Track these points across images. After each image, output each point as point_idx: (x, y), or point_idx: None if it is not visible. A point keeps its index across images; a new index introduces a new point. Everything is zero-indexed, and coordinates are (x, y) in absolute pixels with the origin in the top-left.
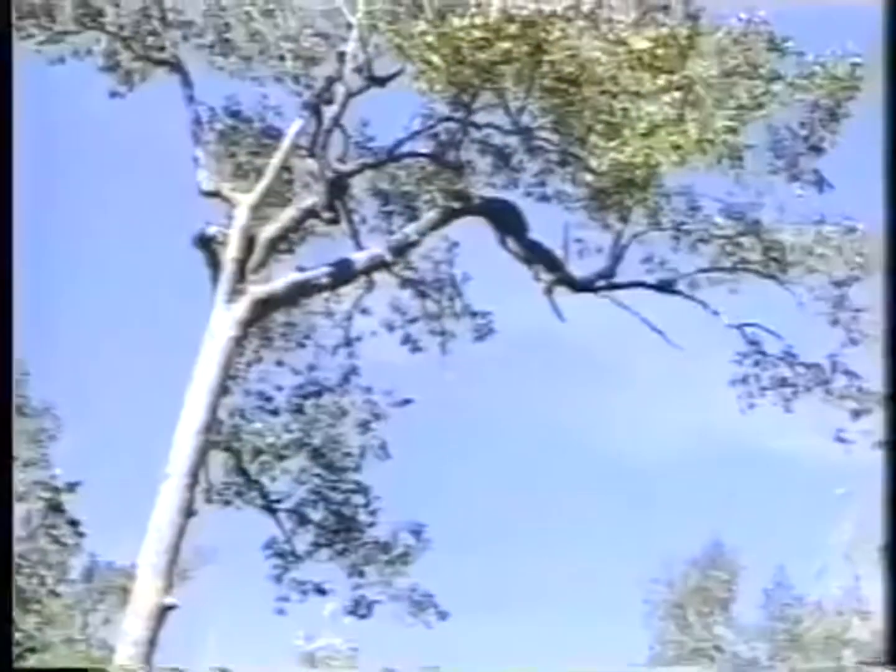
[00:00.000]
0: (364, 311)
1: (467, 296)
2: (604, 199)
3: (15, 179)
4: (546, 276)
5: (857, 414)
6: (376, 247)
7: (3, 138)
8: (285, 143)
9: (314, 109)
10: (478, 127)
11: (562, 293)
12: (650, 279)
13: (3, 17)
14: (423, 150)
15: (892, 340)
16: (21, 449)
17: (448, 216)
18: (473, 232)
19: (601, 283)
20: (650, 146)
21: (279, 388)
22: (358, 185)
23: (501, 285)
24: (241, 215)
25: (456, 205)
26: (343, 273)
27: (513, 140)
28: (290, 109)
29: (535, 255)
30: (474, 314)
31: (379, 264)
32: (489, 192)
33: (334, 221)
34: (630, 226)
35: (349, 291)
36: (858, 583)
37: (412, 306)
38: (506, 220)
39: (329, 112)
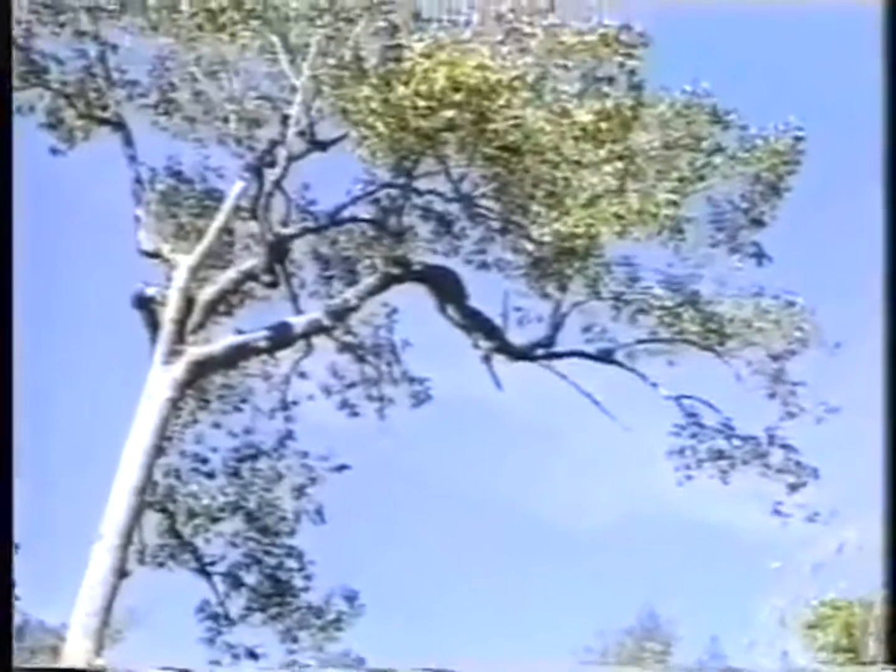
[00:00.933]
0: (302, 375)
1: (406, 362)
2: (544, 268)
3: None
4: (485, 344)
5: (793, 487)
6: (315, 311)
7: None
8: (227, 205)
9: (256, 172)
10: (419, 193)
11: (500, 361)
12: (589, 349)
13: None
14: (365, 216)
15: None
16: None
17: (388, 282)
18: (413, 298)
19: (540, 351)
20: (591, 216)
21: (215, 451)
22: (299, 248)
23: (440, 352)
24: (181, 276)
25: (396, 271)
26: (282, 336)
27: (454, 207)
28: (233, 171)
29: (475, 322)
30: (412, 380)
31: (318, 328)
32: (430, 259)
33: (274, 285)
34: (570, 295)
35: (287, 355)
36: (787, 657)
37: (350, 371)
38: (446, 287)
39: (271, 175)
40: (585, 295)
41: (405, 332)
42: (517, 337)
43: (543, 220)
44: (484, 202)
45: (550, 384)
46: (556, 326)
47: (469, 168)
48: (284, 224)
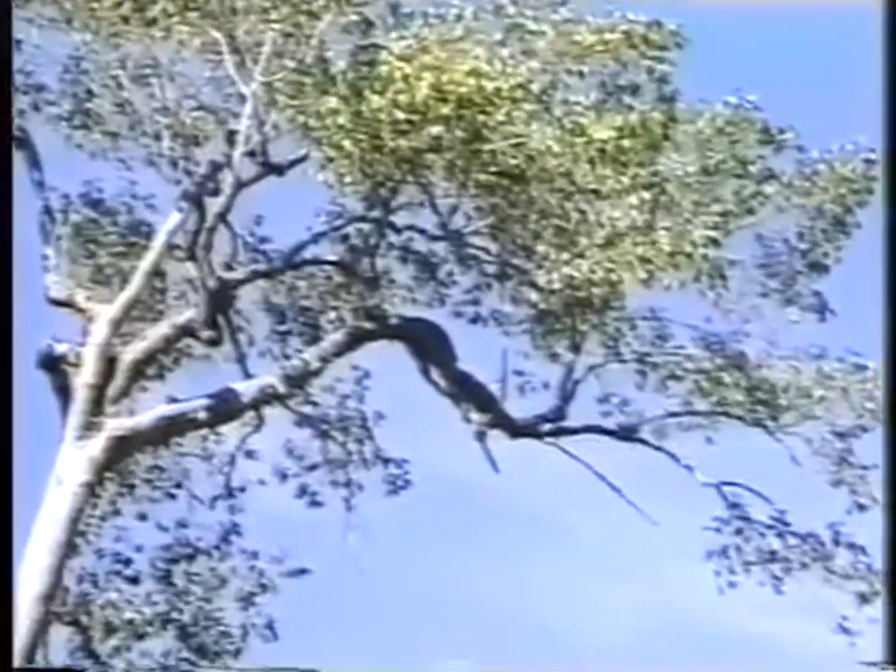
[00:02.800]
0: (250, 455)
1: (380, 439)
2: (552, 323)
3: None
4: (478, 417)
5: (863, 598)
6: (268, 375)
7: None
8: (158, 243)
9: (195, 201)
10: (397, 230)
11: (497, 438)
12: (608, 423)
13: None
14: (330, 257)
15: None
16: None
17: (358, 339)
18: (389, 359)
19: (547, 426)
20: (611, 259)
21: (140, 550)
22: (247, 297)
23: (422, 427)
24: (100, 331)
25: (368, 325)
26: (226, 406)
27: (440, 247)
28: (166, 201)
29: (465, 390)
30: (388, 462)
31: (270, 397)
32: (410, 311)
33: (216, 342)
34: (584, 356)
35: (233, 429)
36: None
37: (311, 450)
38: (429, 345)
39: (214, 205)
40: (603, 356)
41: (379, 402)
42: (518, 408)
43: (552, 263)
44: (477, 241)
45: (559, 467)
46: (567, 395)
47: (460, 198)
48: (230, 267)
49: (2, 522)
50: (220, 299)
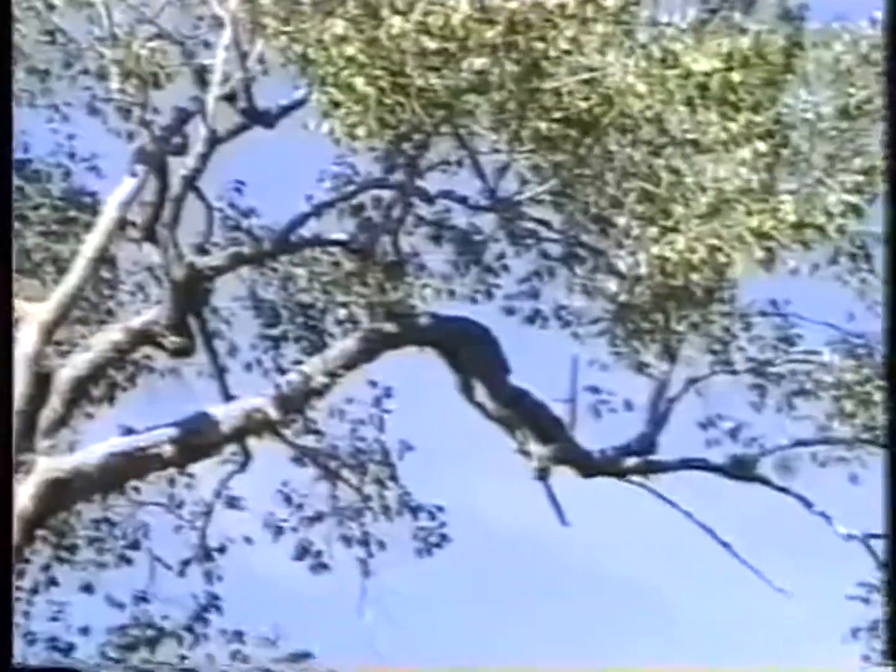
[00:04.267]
0: (233, 503)
1: (406, 479)
2: (638, 322)
3: None
4: (538, 450)
5: None
6: (255, 395)
7: None
8: (104, 220)
9: (155, 162)
10: (429, 198)
11: (565, 477)
12: (714, 457)
13: None
14: (337, 236)
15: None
16: None
17: (376, 346)
18: (418, 372)
19: (632, 462)
20: (717, 234)
21: (86, 632)
22: (227, 290)
23: (463, 463)
24: (28, 338)
25: (390, 327)
26: (199, 438)
27: (486, 221)
28: (115, 162)
29: (521, 413)
30: (417, 510)
31: (259, 425)
32: (445, 307)
33: (186, 352)
34: (682, 366)
35: (209, 469)
36: None
37: (314, 496)
38: (472, 353)
39: (181, 168)
40: (708, 366)
41: (405, 430)
42: (593, 437)
43: (636, 241)
44: (536, 212)
45: (649, 515)
46: (659, 419)
47: (511, 155)
48: (203, 250)
49: (2, 522)
50: (191, 294)
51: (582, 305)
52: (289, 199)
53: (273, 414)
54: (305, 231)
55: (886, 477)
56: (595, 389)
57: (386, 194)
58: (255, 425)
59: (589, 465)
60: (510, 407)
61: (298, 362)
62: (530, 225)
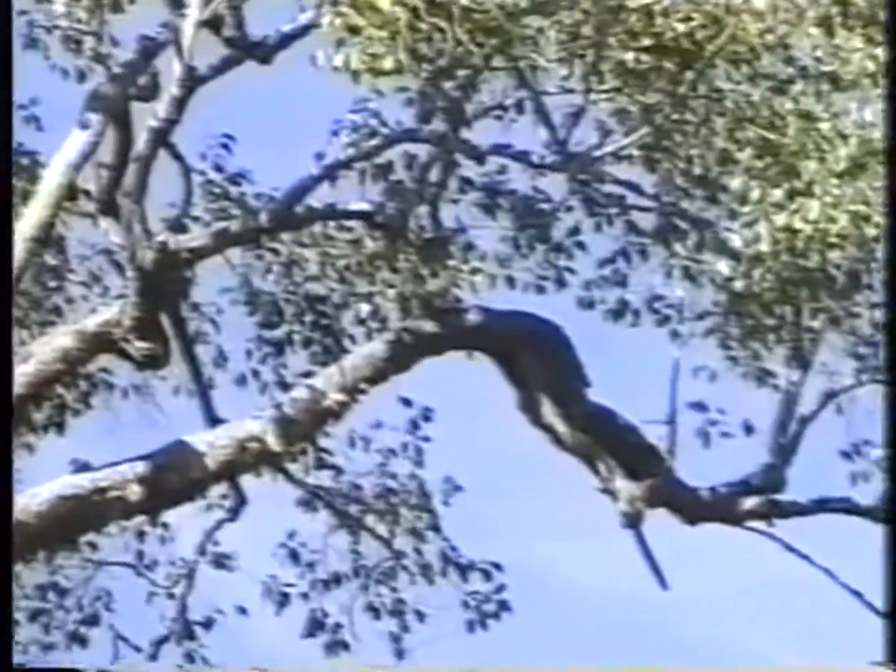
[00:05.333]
0: (221, 562)
1: (452, 529)
2: (758, 316)
3: None
4: (627, 487)
5: None
6: (250, 418)
7: None
8: (47, 187)
9: (115, 111)
10: (478, 155)
11: (662, 522)
12: (863, 496)
13: None
14: (358, 206)
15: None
16: None
17: (410, 352)
18: (466, 387)
19: (751, 502)
20: (863, 198)
21: None
22: (211, 280)
23: (527, 506)
24: None
25: (428, 327)
26: (176, 476)
27: (554, 183)
28: (60, 110)
29: (603, 437)
30: (467, 569)
31: (257, 457)
32: (501, 299)
33: (156, 362)
34: (817, 375)
35: (190, 517)
36: None
37: (330, 551)
38: (537, 360)
39: (149, 118)
40: (852, 374)
41: (449, 463)
42: (699, 470)
43: (755, 207)
44: (621, 171)
45: (773, 571)
46: (788, 446)
47: (588, 96)
48: (179, 227)
49: (2, 522)
50: (164, 285)
51: (683, 295)
52: (293, 158)
53: (274, 443)
54: (315, 200)
55: (887, 480)
56: (702, 407)
57: (421, 150)
58: (251, 458)
59: (695, 508)
60: (589, 431)
61: (307, 374)
62: (614, 189)
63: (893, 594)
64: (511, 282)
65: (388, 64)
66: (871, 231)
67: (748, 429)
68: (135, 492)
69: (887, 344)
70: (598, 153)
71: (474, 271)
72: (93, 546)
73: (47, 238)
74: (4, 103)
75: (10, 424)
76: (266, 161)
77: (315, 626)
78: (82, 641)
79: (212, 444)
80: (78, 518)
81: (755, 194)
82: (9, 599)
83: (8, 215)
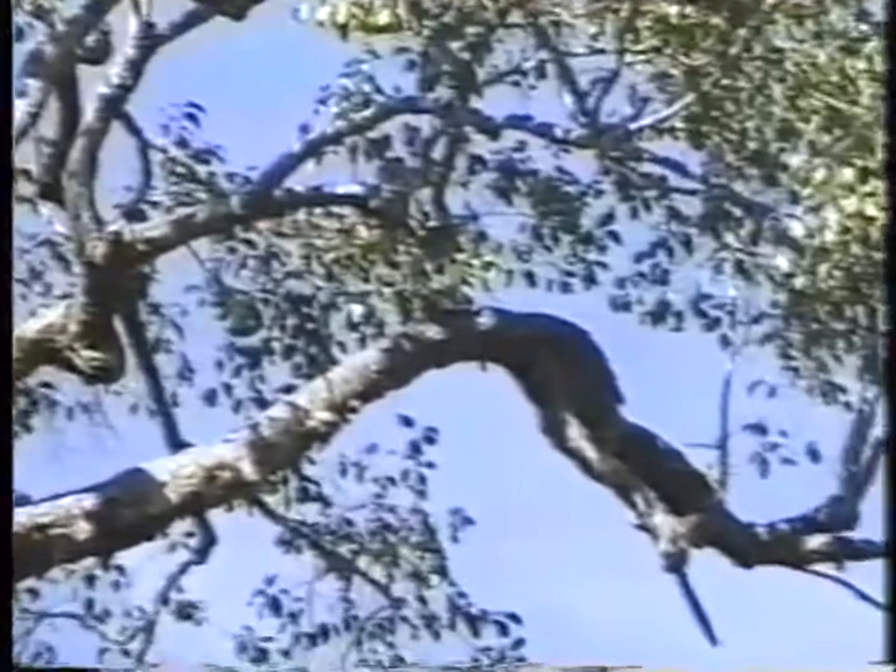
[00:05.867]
0: (187, 612)
1: (462, 573)
2: (825, 320)
3: None
4: (668, 523)
5: None
6: (220, 442)
7: None
8: None
9: (59, 76)
10: (491, 129)
11: (710, 564)
12: None
13: None
14: (348, 188)
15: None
16: None
17: (412, 362)
18: (477, 404)
19: (817, 541)
20: None
21: None
22: (175, 277)
23: (549, 543)
24: None
25: (433, 332)
26: (133, 510)
27: (583, 162)
28: None
29: (640, 464)
30: (478, 621)
31: (229, 488)
32: (520, 299)
33: (108, 375)
34: None
35: (149, 559)
36: None
37: (317, 600)
38: (562, 372)
39: (100, 84)
40: None
41: (457, 494)
42: (754, 503)
43: (818, 188)
44: (662, 147)
45: (844, 621)
46: (860, 475)
47: (621, 58)
48: (135, 214)
49: (2, 522)
50: (118, 283)
51: (736, 295)
52: (272, 132)
53: (249, 471)
54: (298, 182)
55: (887, 481)
56: (758, 428)
57: (424, 122)
58: (222, 489)
59: (749, 548)
60: (624, 457)
61: (289, 389)
62: (653, 169)
63: (894, 594)
64: (531, 278)
65: (383, 18)
66: None
67: (814, 454)
68: (83, 529)
69: (887, 344)
70: (633, 126)
71: (487, 266)
72: (33, 593)
73: None
74: (4, 103)
75: (10, 421)
76: (239, 135)
77: None
78: None
79: (175, 473)
80: (15, 561)
81: (821, 174)
82: (9, 599)
83: (8, 215)
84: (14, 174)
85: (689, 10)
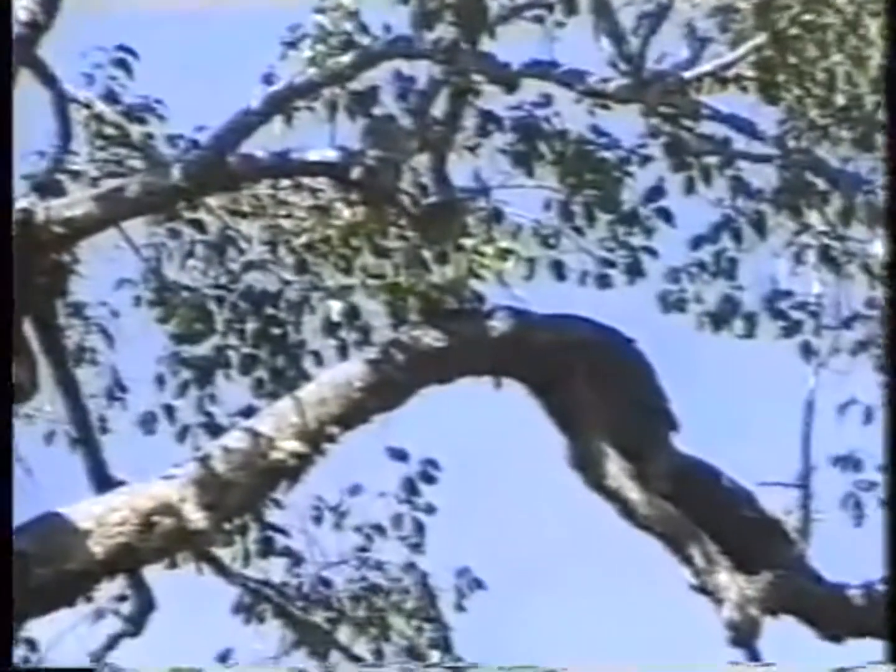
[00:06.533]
0: None
1: (467, 646)
2: None
3: None
4: (735, 583)
5: None
6: (158, 478)
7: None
8: None
9: None
10: (505, 80)
11: (788, 635)
12: None
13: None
14: (323, 154)
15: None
16: None
17: (404, 378)
18: (489, 431)
19: None
20: None
21: None
22: (100, 267)
23: (581, 609)
24: None
25: (431, 339)
26: (48, 565)
27: (620, 119)
28: None
29: (695, 504)
30: None
31: (171, 537)
32: (543, 297)
33: (17, 393)
34: None
35: (69, 627)
36: None
37: None
38: (595, 388)
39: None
40: None
41: (462, 545)
42: (843, 556)
43: None
44: (723, 102)
45: None
46: None
47: None
48: (50, 185)
49: (2, 521)
50: (27, 276)
51: (822, 291)
52: (226, 83)
53: (197, 517)
54: (259, 147)
55: (887, 480)
56: (850, 462)
57: (420, 70)
58: (162, 540)
59: (838, 616)
60: (677, 498)
61: (248, 412)
62: (713, 128)
63: (894, 594)
64: (559, 270)
65: None
66: None
67: None
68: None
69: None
70: (688, 74)
71: (502, 254)
72: None
73: None
74: (4, 101)
75: (10, 421)
76: (184, 87)
77: None
78: None
79: (102, 519)
80: None
81: None
82: (9, 599)
83: (8, 214)
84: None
85: None
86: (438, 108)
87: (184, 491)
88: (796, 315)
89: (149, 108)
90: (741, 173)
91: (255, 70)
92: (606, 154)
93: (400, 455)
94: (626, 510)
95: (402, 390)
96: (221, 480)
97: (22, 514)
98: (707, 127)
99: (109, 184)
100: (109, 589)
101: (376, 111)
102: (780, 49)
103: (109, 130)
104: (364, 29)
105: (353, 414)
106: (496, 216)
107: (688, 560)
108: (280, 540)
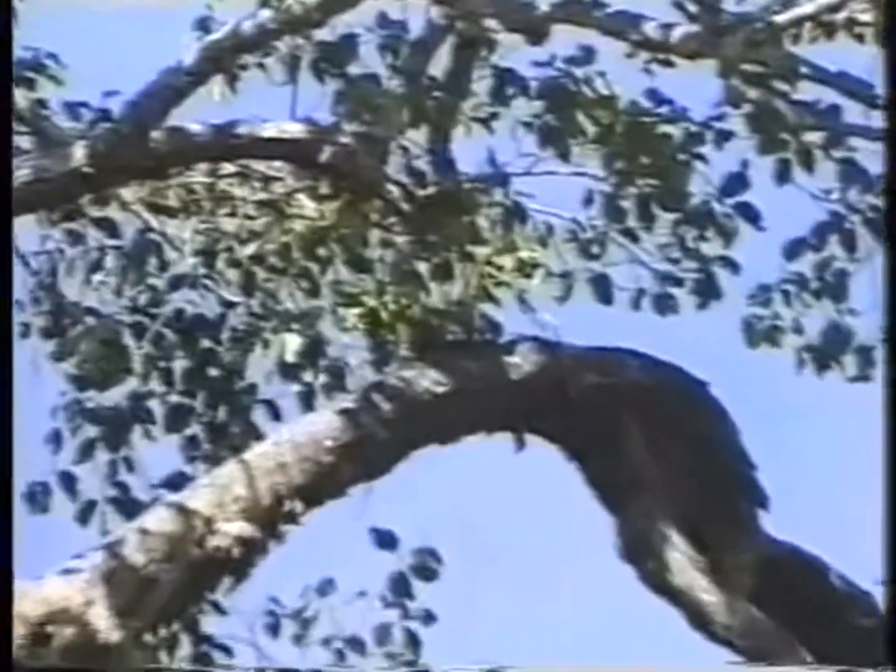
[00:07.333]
0: None
1: None
2: None
3: None
4: None
5: None
6: (54, 573)
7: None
8: None
9: None
10: (530, 26)
11: None
12: None
13: None
14: (282, 128)
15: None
16: None
17: (391, 434)
18: (501, 499)
19: None
20: None
21: None
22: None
23: None
24: None
25: (429, 381)
26: None
27: (688, 80)
28: None
29: (791, 605)
30: None
31: (71, 648)
32: (578, 321)
33: None
34: None
35: None
36: None
37: None
38: (659, 451)
39: None
40: None
41: (471, 664)
42: None
43: None
44: (824, 54)
45: None
46: None
47: None
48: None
49: (2, 521)
50: None
51: None
52: (146, 31)
53: (105, 626)
54: (192, 118)
55: (886, 479)
56: None
57: (414, 10)
58: (59, 656)
59: None
60: (767, 600)
61: (177, 482)
62: (817, 93)
63: (893, 594)
64: (604, 288)
65: None
66: None
67: None
68: None
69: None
70: (781, 18)
71: (525, 266)
72: None
73: None
74: (4, 101)
75: (10, 422)
76: (89, 38)
77: None
78: None
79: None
80: None
81: None
82: (8, 599)
83: (8, 214)
84: (12, 174)
85: None
86: (439, 66)
87: (89, 591)
88: None
89: (40, 65)
90: (854, 155)
91: (187, 13)
92: (669, 129)
93: (387, 541)
94: (698, 617)
95: (388, 452)
96: (140, 576)
97: None
98: (808, 91)
99: (29, 162)
100: None
101: (354, 69)
102: None
103: (26, 100)
104: None
105: (321, 484)
106: (517, 214)
107: (751, 658)
108: (219, 657)
